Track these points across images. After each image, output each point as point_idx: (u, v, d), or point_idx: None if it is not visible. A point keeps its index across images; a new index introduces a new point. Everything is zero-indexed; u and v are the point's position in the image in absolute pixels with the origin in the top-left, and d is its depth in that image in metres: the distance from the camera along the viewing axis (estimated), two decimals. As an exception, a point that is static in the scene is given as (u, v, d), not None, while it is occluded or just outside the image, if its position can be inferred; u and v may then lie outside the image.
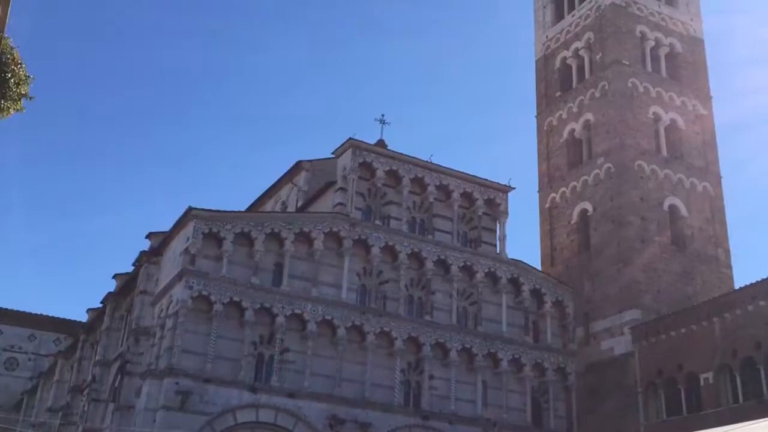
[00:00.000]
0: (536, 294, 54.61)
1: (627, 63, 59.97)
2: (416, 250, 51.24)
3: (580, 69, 63.61)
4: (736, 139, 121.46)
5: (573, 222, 59.14)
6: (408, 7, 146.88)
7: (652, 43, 62.13)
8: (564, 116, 62.82)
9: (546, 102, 65.22)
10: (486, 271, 53.03)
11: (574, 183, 59.82)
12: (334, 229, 49.05)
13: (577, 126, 61.32)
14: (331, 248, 49.08)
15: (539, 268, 57.87)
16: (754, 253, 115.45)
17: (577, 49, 63.84)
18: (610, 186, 57.01)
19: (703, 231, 57.57)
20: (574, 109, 61.95)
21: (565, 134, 62.22)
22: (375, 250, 49.88)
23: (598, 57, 61.54)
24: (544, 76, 66.24)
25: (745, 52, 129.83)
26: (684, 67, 62.81)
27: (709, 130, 61.32)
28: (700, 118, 61.29)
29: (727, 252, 57.74)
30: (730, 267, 57.25)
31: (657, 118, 59.49)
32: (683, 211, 57.28)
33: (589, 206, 58.09)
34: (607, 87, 59.71)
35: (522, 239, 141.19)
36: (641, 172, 56.85)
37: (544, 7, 68.83)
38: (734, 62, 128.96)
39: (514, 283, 54.00)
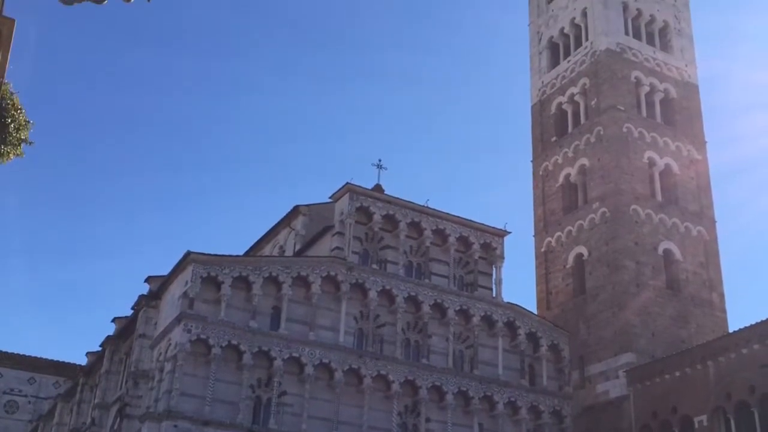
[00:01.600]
0: (532, 337, 54.75)
1: (622, 108, 60.65)
2: (413, 294, 51.52)
3: (576, 114, 64.23)
4: (731, 183, 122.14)
5: (568, 266, 59.53)
6: (405, 54, 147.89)
7: (647, 89, 62.85)
8: (559, 161, 63.35)
9: (542, 147, 65.76)
10: (482, 314, 53.26)
11: (570, 227, 60.25)
12: (332, 273, 49.38)
13: (573, 171, 61.82)
14: (328, 292, 49.36)
15: (535, 311, 58.15)
16: (748, 296, 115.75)
17: (572, 95, 64.48)
18: (605, 230, 57.47)
19: (697, 275, 57.93)
20: (570, 154, 62.51)
21: (561, 179, 62.72)
22: (372, 294, 50.18)
23: (593, 102, 62.19)
24: (540, 121, 66.84)
25: (739, 98, 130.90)
26: (679, 112, 63.49)
27: (704, 175, 61.90)
28: (694, 163, 61.87)
29: (722, 296, 58.08)
30: (724, 311, 57.57)
31: (652, 163, 60.08)
32: (678, 255, 57.69)
33: (584, 250, 58.50)
34: (602, 132, 60.30)
35: (518, 283, 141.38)
36: (636, 216, 57.37)
37: (540, 53, 69.59)
38: (729, 107, 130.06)
39: (510, 326, 54.20)
